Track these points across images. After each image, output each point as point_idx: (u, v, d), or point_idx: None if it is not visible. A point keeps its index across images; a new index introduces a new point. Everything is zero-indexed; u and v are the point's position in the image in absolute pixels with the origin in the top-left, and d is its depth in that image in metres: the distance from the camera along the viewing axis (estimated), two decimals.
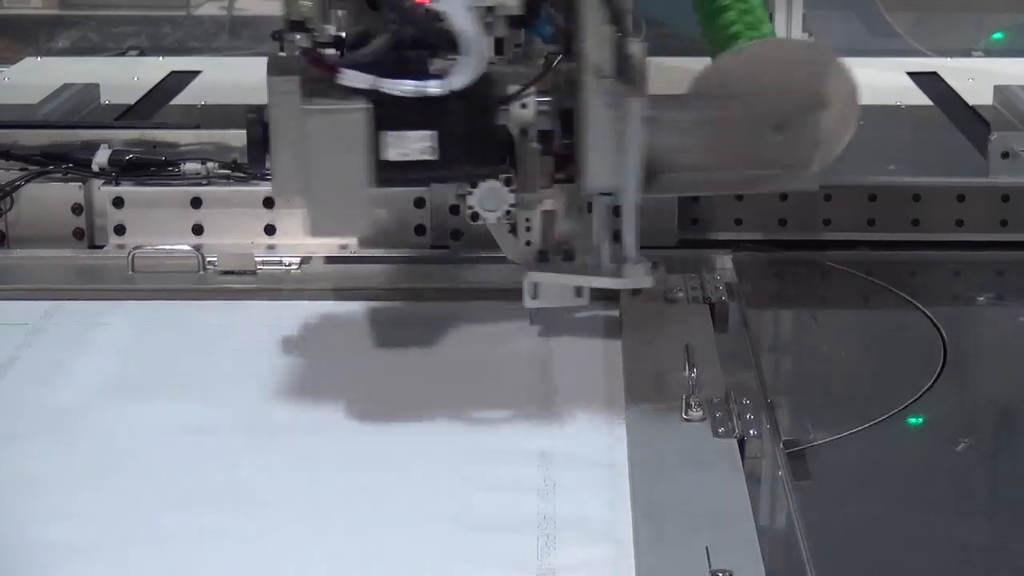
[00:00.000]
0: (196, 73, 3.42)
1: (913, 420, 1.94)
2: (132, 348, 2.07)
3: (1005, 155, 2.57)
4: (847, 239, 2.45)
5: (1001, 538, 1.71)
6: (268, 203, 2.35)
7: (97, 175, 2.39)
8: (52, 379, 1.97)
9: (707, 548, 1.51)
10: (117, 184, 2.37)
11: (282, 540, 1.60)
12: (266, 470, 1.75)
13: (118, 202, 2.36)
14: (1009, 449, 1.93)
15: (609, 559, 1.56)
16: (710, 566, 1.49)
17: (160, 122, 2.84)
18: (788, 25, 3.53)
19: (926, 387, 2.00)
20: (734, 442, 1.74)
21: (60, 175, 2.41)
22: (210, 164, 2.39)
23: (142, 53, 3.82)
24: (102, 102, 3.18)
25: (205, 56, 3.75)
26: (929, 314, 2.21)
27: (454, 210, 2.35)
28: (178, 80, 3.37)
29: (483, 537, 1.60)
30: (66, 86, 3.18)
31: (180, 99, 3.23)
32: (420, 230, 2.35)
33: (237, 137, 2.44)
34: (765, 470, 1.74)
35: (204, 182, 2.38)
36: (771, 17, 3.41)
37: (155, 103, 3.20)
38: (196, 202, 2.36)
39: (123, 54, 3.82)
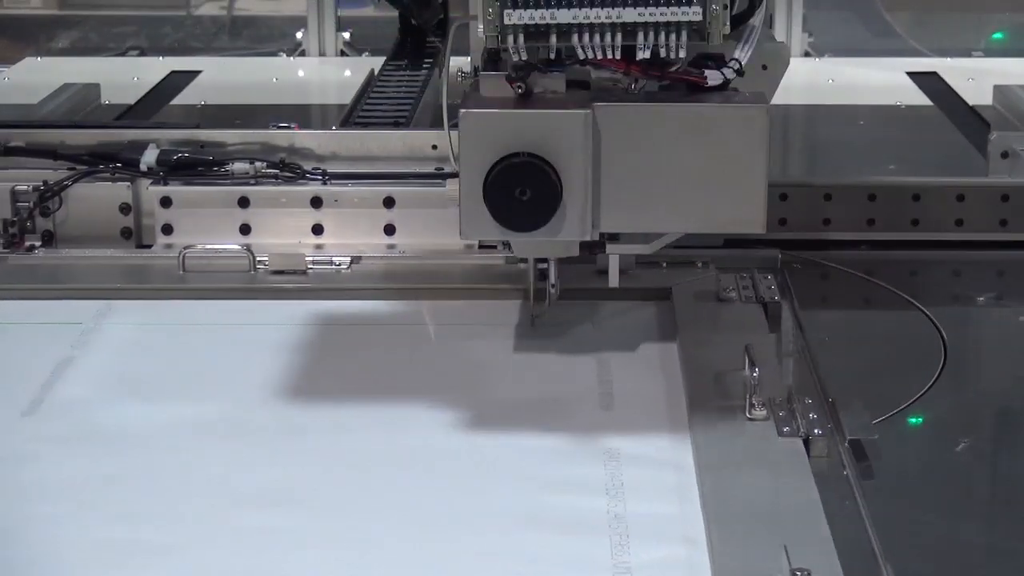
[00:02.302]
0: (196, 73, 3.43)
1: (913, 420, 1.94)
2: (186, 348, 2.07)
3: (1005, 155, 2.57)
4: (847, 239, 2.44)
5: (1000, 537, 1.71)
6: (316, 203, 2.34)
7: (145, 175, 2.38)
8: (108, 380, 1.96)
9: (785, 547, 1.51)
10: (165, 184, 2.37)
11: (348, 542, 1.59)
12: (327, 471, 1.74)
13: (166, 202, 2.36)
14: (1009, 449, 1.93)
15: (683, 558, 1.56)
16: (790, 565, 1.48)
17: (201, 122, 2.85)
18: (788, 25, 3.54)
19: (926, 387, 2.00)
20: (799, 441, 1.74)
21: (108, 175, 2.40)
22: (258, 164, 2.38)
23: (142, 53, 3.82)
24: (102, 102, 3.19)
25: (205, 56, 3.76)
26: (929, 314, 2.21)
27: None
28: (178, 80, 3.38)
29: (554, 537, 1.59)
30: (66, 86, 3.19)
31: (180, 99, 3.24)
32: None
33: (285, 137, 2.47)
34: (831, 469, 1.73)
35: (252, 182, 2.37)
36: (771, 18, 3.44)
37: (155, 103, 3.21)
38: (244, 201, 2.35)
39: (123, 54, 3.83)
